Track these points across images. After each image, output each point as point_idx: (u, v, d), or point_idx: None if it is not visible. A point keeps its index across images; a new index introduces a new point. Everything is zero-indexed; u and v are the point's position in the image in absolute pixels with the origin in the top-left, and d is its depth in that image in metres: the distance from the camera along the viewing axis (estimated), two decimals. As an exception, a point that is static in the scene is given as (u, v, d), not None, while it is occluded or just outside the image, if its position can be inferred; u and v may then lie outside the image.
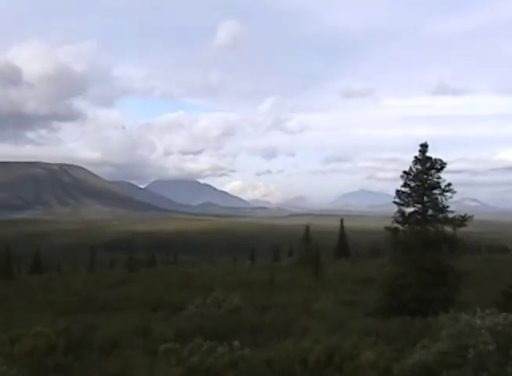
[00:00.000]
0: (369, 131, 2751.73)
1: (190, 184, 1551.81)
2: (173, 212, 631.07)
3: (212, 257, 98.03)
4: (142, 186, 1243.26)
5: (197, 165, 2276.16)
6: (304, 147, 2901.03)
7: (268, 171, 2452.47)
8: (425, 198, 17.17)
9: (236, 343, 7.35)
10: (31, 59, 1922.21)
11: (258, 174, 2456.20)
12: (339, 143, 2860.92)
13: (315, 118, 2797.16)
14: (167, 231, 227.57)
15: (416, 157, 17.36)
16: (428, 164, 17.17)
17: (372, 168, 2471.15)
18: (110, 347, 9.55)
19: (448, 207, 16.88)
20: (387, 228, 17.22)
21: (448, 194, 16.95)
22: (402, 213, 17.25)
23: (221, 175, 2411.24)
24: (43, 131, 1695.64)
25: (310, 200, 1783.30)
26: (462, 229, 16.57)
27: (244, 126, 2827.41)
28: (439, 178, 17.11)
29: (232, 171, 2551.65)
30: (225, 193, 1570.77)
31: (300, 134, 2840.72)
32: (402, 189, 17.42)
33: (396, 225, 17.18)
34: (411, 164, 17.35)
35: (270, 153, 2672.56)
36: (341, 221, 70.16)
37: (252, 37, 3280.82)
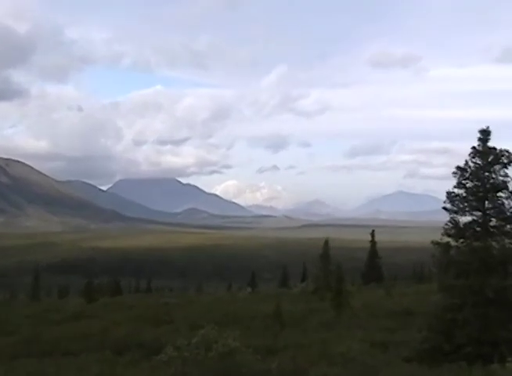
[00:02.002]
0: (411, 113, 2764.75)
1: (169, 185, 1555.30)
2: (146, 223, 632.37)
3: (199, 282, 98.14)
4: (105, 188, 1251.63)
5: (179, 159, 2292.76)
6: (323, 135, 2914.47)
7: (275, 168, 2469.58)
8: (487, 203, 17.01)
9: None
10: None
11: (261, 171, 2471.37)
12: (369, 130, 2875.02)
13: (338, 96, 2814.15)
14: (137, 248, 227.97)
15: (474, 148, 17.16)
16: (491, 158, 16.95)
17: (413, 163, 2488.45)
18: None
19: (518, 215, 16.80)
20: (435, 243, 17.09)
21: (519, 198, 16.85)
22: (456, 223, 17.11)
23: (212, 173, 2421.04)
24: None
25: (330, 205, 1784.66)
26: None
27: (242, 107, 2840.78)
28: (506, 176, 16.89)
29: (226, 167, 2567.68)
30: (217, 196, 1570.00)
31: (317, 117, 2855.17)
32: (455, 190, 17.24)
33: (447, 239, 17.06)
34: (467, 157, 17.20)
35: (277, 144, 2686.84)
36: (372, 233, 70.12)
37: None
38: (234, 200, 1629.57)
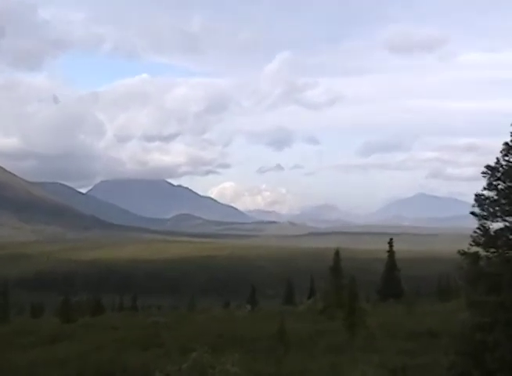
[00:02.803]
0: (435, 105, 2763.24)
1: (158, 187, 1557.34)
2: (132, 231, 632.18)
3: (192, 299, 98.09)
4: (84, 191, 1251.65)
5: (169, 158, 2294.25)
6: (334, 130, 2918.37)
7: (278, 167, 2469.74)
8: (521, 207, 17.01)
9: None
10: None
11: (262, 171, 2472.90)
12: (387, 124, 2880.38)
13: (351, 85, 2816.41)
14: (122, 260, 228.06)
15: (506, 144, 17.12)
16: (526, 155, 17.00)
17: (437, 162, 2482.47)
18: None
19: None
20: (463, 253, 17.06)
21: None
22: (485, 230, 17.07)
23: (206, 173, 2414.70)
24: None
25: (341, 210, 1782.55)
26: None
27: (241, 98, 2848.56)
28: (543, 176, 16.91)
29: (223, 166, 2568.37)
30: (212, 200, 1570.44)
31: (327, 109, 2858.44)
32: (485, 193, 17.20)
33: (476, 249, 17.01)
34: (499, 154, 17.15)
35: (281, 140, 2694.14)
36: (390, 242, 70.13)
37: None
38: (232, 205, 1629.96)
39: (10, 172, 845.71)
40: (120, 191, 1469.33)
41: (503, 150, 16.90)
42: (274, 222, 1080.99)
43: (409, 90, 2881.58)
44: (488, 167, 17.00)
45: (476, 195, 17.16)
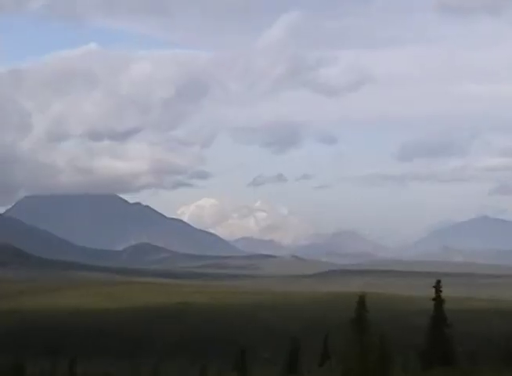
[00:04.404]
0: (502, 90, 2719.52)
1: (107, 205, 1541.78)
2: (70, 268, 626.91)
3: (156, 364, 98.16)
4: (1, 210, 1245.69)
5: (123, 164, 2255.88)
6: (357, 124, 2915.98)
7: (279, 178, 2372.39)
8: None
9: None
10: None
11: (256, 183, 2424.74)
12: (434, 116, 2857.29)
13: (383, 61, 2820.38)
14: (54, 311, 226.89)
15: None
16: None
17: (506, 171, 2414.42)
18: None
19: None
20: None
21: None
22: None
23: (176, 186, 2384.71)
24: None
25: (368, 239, 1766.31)
26: None
27: (227, 79, 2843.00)
28: None
29: (200, 175, 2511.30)
30: (184, 223, 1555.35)
31: (348, 95, 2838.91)
32: None
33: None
34: None
35: (283, 139, 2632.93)
36: (437, 286, 70.33)
37: None
38: (211, 231, 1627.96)
39: None
40: (53, 211, 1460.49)
41: None
42: (272, 257, 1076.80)
43: (464, 69, 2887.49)
44: None
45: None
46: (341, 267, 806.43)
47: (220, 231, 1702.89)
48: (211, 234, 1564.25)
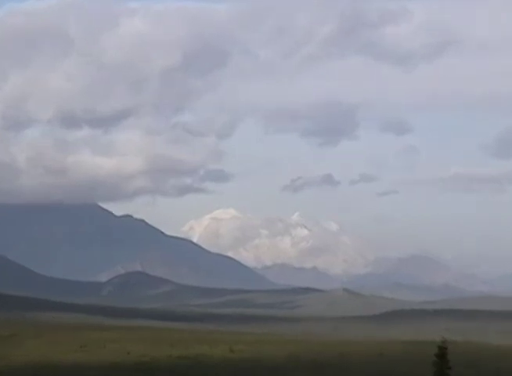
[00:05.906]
0: None
1: (86, 218, 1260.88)
2: (34, 308, 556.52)
3: None
4: None
5: (108, 160, 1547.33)
6: (441, 105, 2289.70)
7: (328, 180, 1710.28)
8: None
9: None
10: None
11: (295, 188, 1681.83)
12: None
13: (474, 15, 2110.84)
14: (7, 365, 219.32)
15: None
16: None
17: None
18: None
19: None
20: None
21: None
22: None
23: (182, 192, 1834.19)
24: None
25: (453, 268, 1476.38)
26: None
27: (253, 42, 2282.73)
28: None
29: (216, 177, 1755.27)
30: (193, 244, 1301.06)
31: (426, 65, 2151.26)
32: None
33: None
34: None
35: (333, 125, 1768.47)
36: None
37: None
38: (231, 255, 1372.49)
39: None
40: (10, 228, 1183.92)
41: None
42: (316, 291, 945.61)
43: None
44: None
45: None
46: (412, 305, 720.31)
47: (243, 255, 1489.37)
48: (231, 259, 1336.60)
